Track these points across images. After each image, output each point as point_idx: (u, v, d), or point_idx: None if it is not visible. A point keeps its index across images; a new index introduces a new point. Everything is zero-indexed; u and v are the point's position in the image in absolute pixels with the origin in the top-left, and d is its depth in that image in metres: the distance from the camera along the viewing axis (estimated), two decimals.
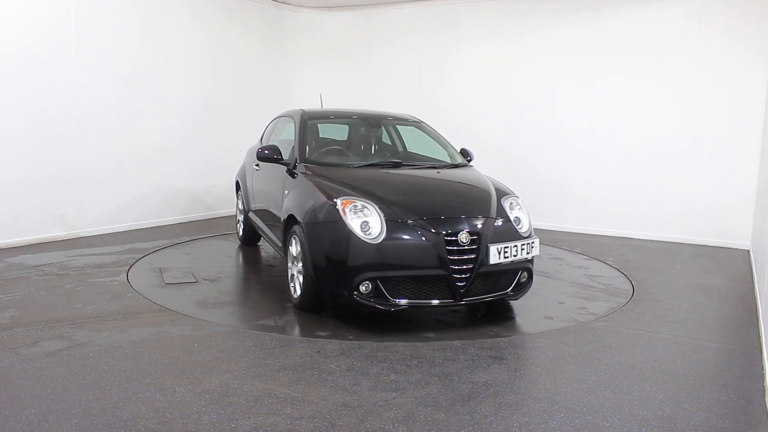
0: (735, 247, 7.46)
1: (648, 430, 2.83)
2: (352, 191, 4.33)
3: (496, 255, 4.15)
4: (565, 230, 8.35)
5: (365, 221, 4.09)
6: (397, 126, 6.02)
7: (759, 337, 4.20)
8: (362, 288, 4.04)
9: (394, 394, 3.12)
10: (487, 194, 4.60)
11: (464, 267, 4.09)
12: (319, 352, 3.68)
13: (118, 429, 2.67)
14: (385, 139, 5.96)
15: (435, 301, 4.13)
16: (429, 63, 9.25)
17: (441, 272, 4.06)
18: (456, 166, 5.32)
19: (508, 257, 4.21)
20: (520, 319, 4.53)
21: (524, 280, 4.49)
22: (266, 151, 5.22)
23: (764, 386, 3.37)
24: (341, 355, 3.65)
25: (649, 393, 3.24)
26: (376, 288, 4.05)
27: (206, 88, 8.55)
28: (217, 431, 2.68)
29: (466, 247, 4.09)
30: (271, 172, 5.62)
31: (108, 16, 7.03)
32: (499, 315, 4.61)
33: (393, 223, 4.10)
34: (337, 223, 4.14)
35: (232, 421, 2.77)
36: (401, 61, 9.44)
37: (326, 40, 9.96)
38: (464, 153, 5.65)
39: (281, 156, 5.21)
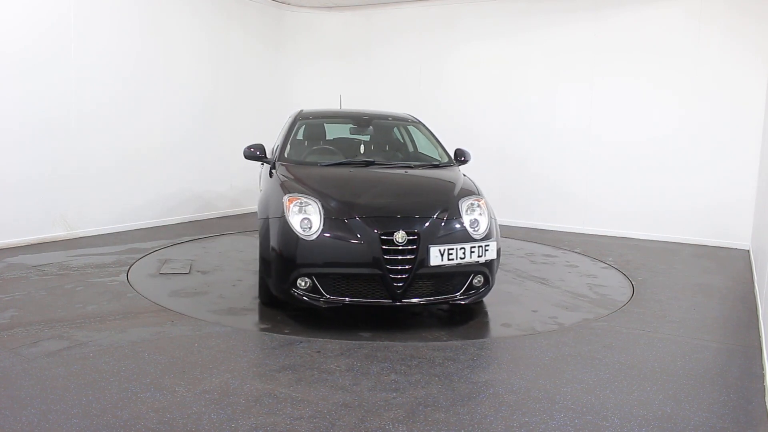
0: (735, 247, 7.46)
1: (648, 430, 2.83)
2: (304, 189, 4.38)
3: (437, 256, 4.04)
4: (565, 230, 8.35)
5: (306, 218, 4.12)
6: (389, 125, 6.03)
7: (759, 337, 4.20)
8: (300, 283, 4.08)
9: (394, 394, 3.12)
10: (444, 195, 4.49)
11: (401, 267, 4.02)
12: (319, 352, 3.68)
13: (118, 429, 2.67)
14: (376, 138, 5.98)
15: (372, 301, 4.10)
16: (429, 63, 9.25)
17: (376, 271, 4.02)
18: (436, 166, 5.25)
19: (453, 259, 4.09)
20: (473, 325, 4.40)
21: (479, 283, 4.33)
22: (257, 152, 5.26)
23: (764, 386, 3.37)
24: (341, 355, 3.65)
25: (649, 393, 3.24)
26: (313, 284, 4.08)
27: (206, 88, 8.55)
28: (217, 431, 2.68)
29: (403, 247, 4.02)
30: (264, 171, 5.71)
31: (108, 17, 7.04)
32: (452, 319, 4.53)
33: (330, 221, 4.11)
34: (280, 219, 4.22)
35: (232, 421, 2.77)
36: (401, 61, 9.44)
37: (326, 40, 9.96)
38: (458, 153, 5.56)
39: (265, 155, 5.27)
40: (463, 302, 4.30)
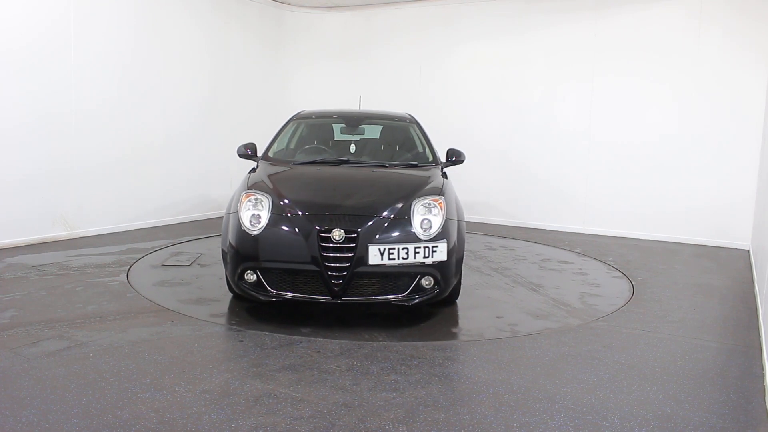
0: (735, 247, 7.46)
1: (648, 430, 2.83)
2: (263, 185, 4.49)
3: (377, 255, 4.01)
4: (565, 230, 8.35)
5: (256, 214, 4.23)
6: (381, 125, 6.07)
7: (759, 337, 4.20)
8: (248, 277, 4.19)
9: (394, 394, 3.12)
10: (398, 194, 4.41)
11: (339, 265, 4.02)
12: (319, 352, 3.69)
13: (118, 429, 2.67)
14: (366, 137, 6.01)
15: (313, 297, 4.12)
16: (429, 63, 9.25)
17: (314, 268, 4.04)
18: (415, 165, 5.17)
19: (394, 259, 4.03)
20: (422, 326, 4.28)
21: (429, 285, 4.18)
22: (248, 151, 5.36)
23: (764, 386, 3.38)
24: (341, 355, 3.65)
25: (649, 393, 3.24)
26: (258, 278, 4.18)
27: (206, 88, 8.55)
28: (217, 431, 2.68)
29: (341, 245, 4.02)
30: None
31: (108, 16, 7.04)
32: (400, 319, 4.43)
33: (276, 217, 4.20)
34: (234, 214, 4.37)
35: (232, 421, 2.77)
36: (401, 61, 9.44)
37: (326, 40, 9.96)
38: (450, 153, 5.44)
39: (256, 153, 5.38)
40: (407, 303, 4.18)
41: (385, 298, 4.17)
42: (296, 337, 3.94)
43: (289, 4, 9.79)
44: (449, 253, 4.20)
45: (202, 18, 8.42)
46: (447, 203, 4.44)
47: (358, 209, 4.21)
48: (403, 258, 4.06)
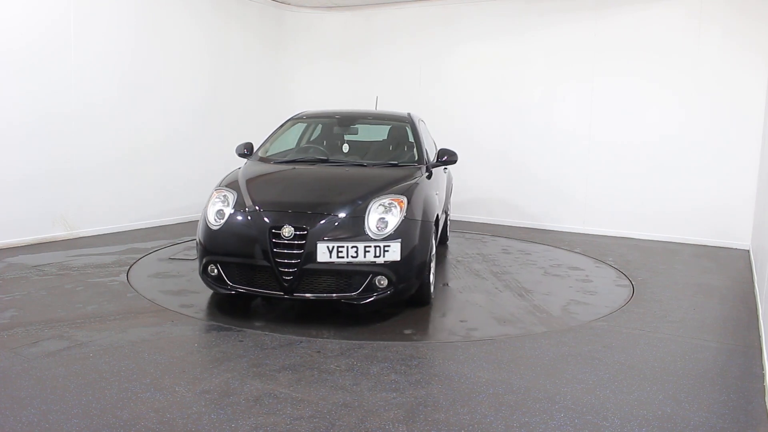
0: (735, 247, 7.46)
1: (648, 430, 2.83)
2: (235, 183, 4.64)
3: (325, 253, 4.03)
4: (565, 230, 8.35)
5: (221, 210, 4.39)
6: (376, 126, 6.10)
7: (759, 337, 4.21)
8: (211, 270, 4.36)
9: (394, 394, 3.12)
10: (359, 193, 4.37)
11: (289, 261, 4.08)
12: (319, 352, 3.69)
13: (118, 429, 2.67)
14: (358, 138, 6.04)
15: (266, 292, 4.22)
16: (429, 63, 9.24)
17: (265, 263, 4.12)
18: (395, 165, 5.11)
19: (343, 257, 4.04)
20: (377, 326, 4.21)
21: (383, 285, 4.13)
22: (245, 150, 5.48)
23: (764, 386, 3.38)
24: (341, 355, 3.65)
25: (649, 393, 3.24)
26: (218, 271, 4.33)
27: (206, 88, 8.55)
28: (217, 431, 2.68)
29: (291, 242, 4.07)
30: None
31: (108, 16, 7.04)
32: (357, 318, 4.37)
33: (236, 213, 4.32)
34: (205, 209, 4.53)
35: (232, 421, 2.77)
36: (401, 61, 9.44)
37: (326, 40, 9.96)
38: (441, 153, 5.37)
39: (250, 152, 5.48)
40: (360, 302, 4.17)
41: (337, 296, 4.19)
42: (296, 337, 3.94)
43: (289, 4, 9.79)
44: (407, 253, 4.16)
45: (202, 18, 8.42)
46: (413, 204, 4.37)
47: (312, 207, 4.26)
48: (352, 256, 4.07)
